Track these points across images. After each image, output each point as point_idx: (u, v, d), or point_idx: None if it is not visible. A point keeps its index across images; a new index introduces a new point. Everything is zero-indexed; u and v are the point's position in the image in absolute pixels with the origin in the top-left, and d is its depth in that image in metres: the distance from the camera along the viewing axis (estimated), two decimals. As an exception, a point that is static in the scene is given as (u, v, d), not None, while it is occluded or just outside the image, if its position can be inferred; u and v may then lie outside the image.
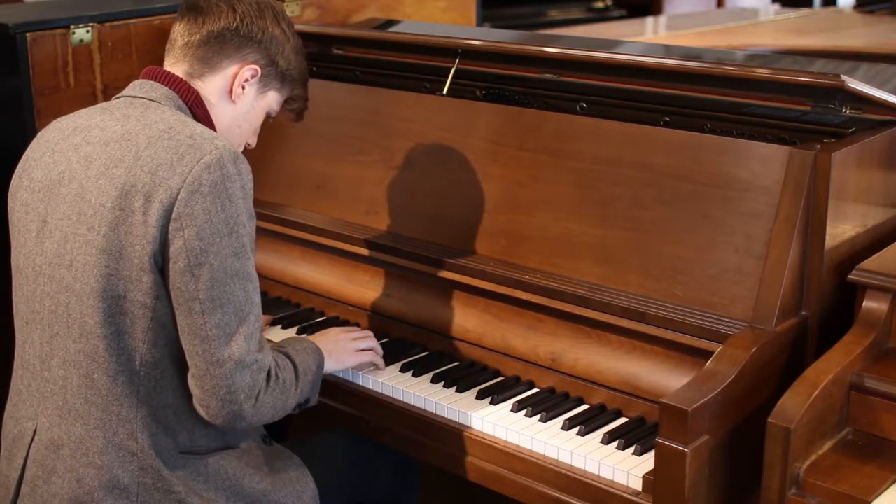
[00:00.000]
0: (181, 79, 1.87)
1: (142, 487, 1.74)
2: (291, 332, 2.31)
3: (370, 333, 2.17)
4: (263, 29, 1.90)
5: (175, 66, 1.90)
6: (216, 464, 1.80)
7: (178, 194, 1.67)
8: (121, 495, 1.74)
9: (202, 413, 1.73)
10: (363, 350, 2.11)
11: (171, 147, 1.71)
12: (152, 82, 1.87)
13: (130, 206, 1.69)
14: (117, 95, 1.90)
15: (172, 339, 1.73)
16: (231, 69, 1.89)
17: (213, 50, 1.87)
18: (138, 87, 1.88)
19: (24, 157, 1.88)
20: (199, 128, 1.77)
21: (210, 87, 1.89)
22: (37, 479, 1.78)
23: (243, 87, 1.91)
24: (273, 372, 1.78)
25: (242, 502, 1.82)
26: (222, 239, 1.68)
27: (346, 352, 2.08)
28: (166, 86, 1.86)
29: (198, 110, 1.87)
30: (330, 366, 2.02)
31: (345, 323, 2.35)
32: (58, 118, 1.91)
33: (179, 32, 1.90)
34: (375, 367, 2.13)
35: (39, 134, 1.90)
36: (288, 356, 1.89)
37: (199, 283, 1.68)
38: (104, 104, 1.88)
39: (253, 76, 1.91)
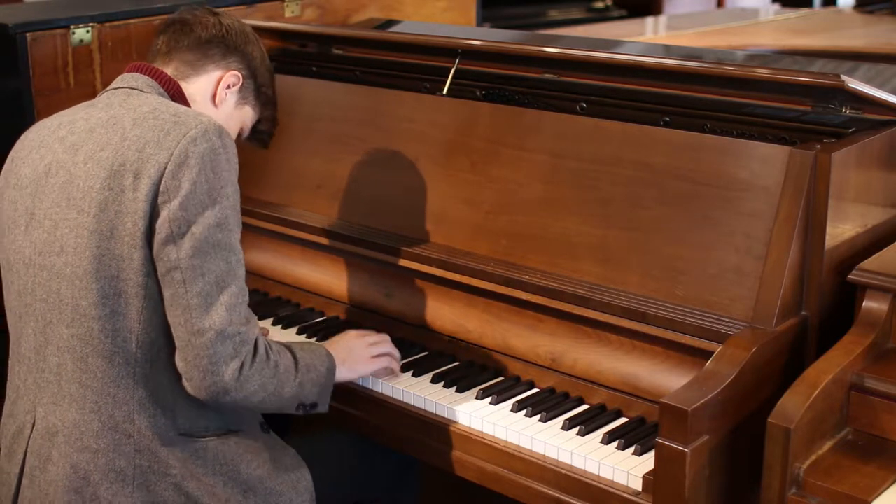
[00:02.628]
0: (163, 71, 1.93)
1: (138, 470, 1.75)
2: (291, 331, 2.32)
3: (387, 337, 2.13)
4: (246, 44, 2.01)
5: (162, 61, 1.96)
6: (215, 448, 1.80)
7: (165, 168, 1.71)
8: (117, 478, 1.74)
9: (188, 387, 1.74)
10: (379, 355, 2.08)
11: (156, 126, 1.75)
12: (134, 74, 1.92)
13: (120, 185, 1.72)
14: (101, 92, 1.94)
15: (165, 314, 1.74)
16: (216, 73, 1.97)
17: (200, 54, 1.96)
18: (120, 80, 1.93)
19: (9, 158, 1.89)
20: (183, 108, 1.82)
21: (193, 89, 1.96)
22: (34, 469, 1.79)
23: (226, 93, 1.98)
24: (263, 350, 1.77)
25: (239, 488, 1.82)
26: (205, 210, 1.71)
27: (361, 359, 2.05)
28: (147, 76, 1.91)
29: (179, 101, 1.92)
30: (343, 374, 2.00)
31: (345, 323, 2.35)
32: (41, 120, 1.94)
33: (164, 41, 1.97)
34: (392, 372, 2.10)
35: (23, 135, 1.91)
36: (288, 348, 1.88)
37: (181, 252, 1.70)
38: (87, 102, 1.92)
39: (235, 83, 1.99)
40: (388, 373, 2.10)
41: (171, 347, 1.75)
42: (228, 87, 1.98)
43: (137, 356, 1.74)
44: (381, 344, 2.10)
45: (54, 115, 1.91)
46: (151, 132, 1.75)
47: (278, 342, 1.89)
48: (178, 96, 1.92)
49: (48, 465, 1.77)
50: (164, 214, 1.70)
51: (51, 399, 1.78)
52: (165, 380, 1.77)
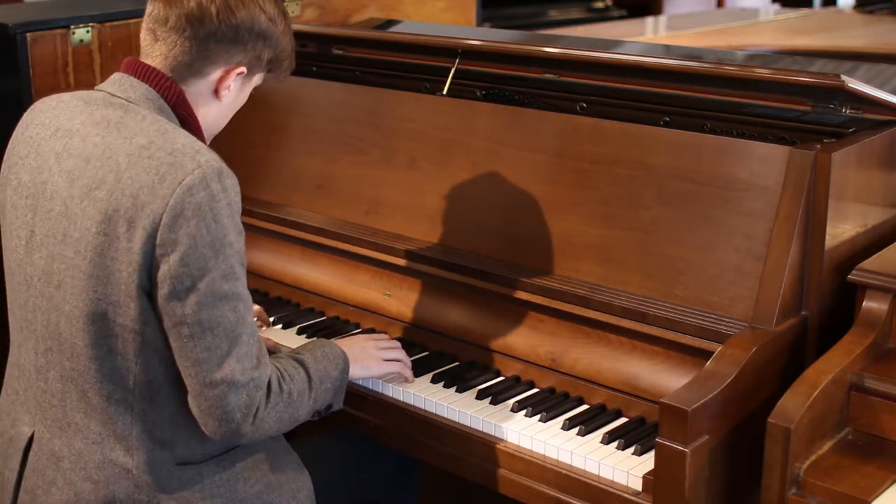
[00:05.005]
0: (162, 75, 1.76)
1: None
2: (291, 331, 2.32)
3: (398, 344, 2.12)
4: (250, 27, 1.76)
5: (158, 61, 1.77)
6: (212, 472, 1.78)
7: (160, 220, 1.61)
8: None
9: (204, 430, 1.71)
10: (391, 360, 2.06)
11: (151, 167, 1.64)
12: (132, 79, 1.77)
13: (115, 231, 1.64)
14: (98, 87, 1.81)
15: (166, 358, 1.69)
16: (216, 74, 1.78)
17: (198, 55, 1.75)
18: (118, 83, 1.78)
19: (10, 146, 1.82)
20: (181, 139, 1.68)
21: (194, 90, 1.79)
22: (37, 488, 1.77)
23: (229, 88, 1.81)
24: (275, 386, 1.73)
25: None
26: (208, 262, 1.63)
27: (373, 359, 2.03)
28: (146, 83, 1.76)
29: (181, 109, 1.78)
30: (356, 372, 1.98)
31: (345, 323, 2.35)
32: (41, 101, 1.83)
33: (159, 33, 1.76)
34: (404, 379, 2.09)
35: (25, 121, 1.83)
36: (302, 363, 1.84)
37: (186, 308, 1.63)
38: (86, 96, 1.79)
39: (239, 75, 1.80)
40: (400, 379, 2.09)
41: (171, 384, 1.71)
42: (232, 81, 1.80)
43: (135, 393, 1.71)
44: (392, 350, 2.08)
45: (52, 109, 1.80)
46: (146, 174, 1.63)
47: (290, 356, 1.85)
48: (180, 104, 1.77)
49: (52, 488, 1.76)
50: (164, 269, 1.62)
51: (55, 423, 1.76)
52: (166, 413, 1.73)
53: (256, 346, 1.70)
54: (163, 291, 1.63)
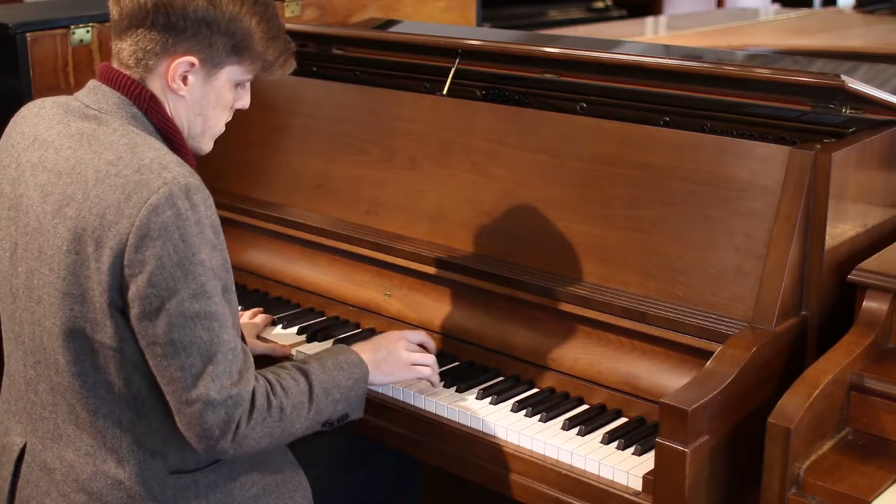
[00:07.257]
0: (132, 80, 1.71)
1: None
2: (291, 331, 2.31)
3: (432, 345, 2.06)
4: (183, 14, 1.66)
5: (118, 62, 1.74)
6: (206, 479, 1.76)
7: (127, 240, 1.58)
8: None
9: (189, 442, 1.69)
10: (418, 364, 2.00)
11: (117, 185, 1.60)
12: (104, 87, 1.73)
13: (84, 250, 1.62)
14: (75, 95, 1.77)
15: (148, 372, 1.67)
16: (160, 68, 1.70)
17: (143, 49, 1.69)
18: (92, 93, 1.74)
19: None
20: (150, 153, 1.63)
21: (155, 88, 1.72)
22: (31, 499, 1.77)
23: (185, 81, 1.72)
24: (262, 400, 1.69)
25: None
26: (177, 283, 1.59)
27: (399, 364, 1.97)
28: (118, 90, 1.72)
29: (154, 116, 1.72)
30: (377, 378, 1.93)
31: (345, 323, 2.35)
32: (25, 107, 1.82)
33: (112, 21, 1.72)
34: (431, 384, 2.04)
35: (9, 128, 1.81)
36: (305, 374, 1.79)
37: (157, 329, 1.60)
38: (66, 104, 1.76)
39: (191, 66, 1.70)
40: (426, 384, 2.04)
41: (154, 397, 1.69)
42: (182, 75, 1.71)
43: (121, 406, 1.70)
44: (423, 354, 2.02)
45: (32, 117, 1.78)
46: (112, 193, 1.59)
47: (295, 366, 1.81)
48: (152, 111, 1.71)
49: (46, 499, 1.75)
50: (134, 290, 1.59)
51: (47, 434, 1.75)
52: (154, 424, 1.71)
53: (238, 362, 1.66)
54: (134, 312, 1.61)
